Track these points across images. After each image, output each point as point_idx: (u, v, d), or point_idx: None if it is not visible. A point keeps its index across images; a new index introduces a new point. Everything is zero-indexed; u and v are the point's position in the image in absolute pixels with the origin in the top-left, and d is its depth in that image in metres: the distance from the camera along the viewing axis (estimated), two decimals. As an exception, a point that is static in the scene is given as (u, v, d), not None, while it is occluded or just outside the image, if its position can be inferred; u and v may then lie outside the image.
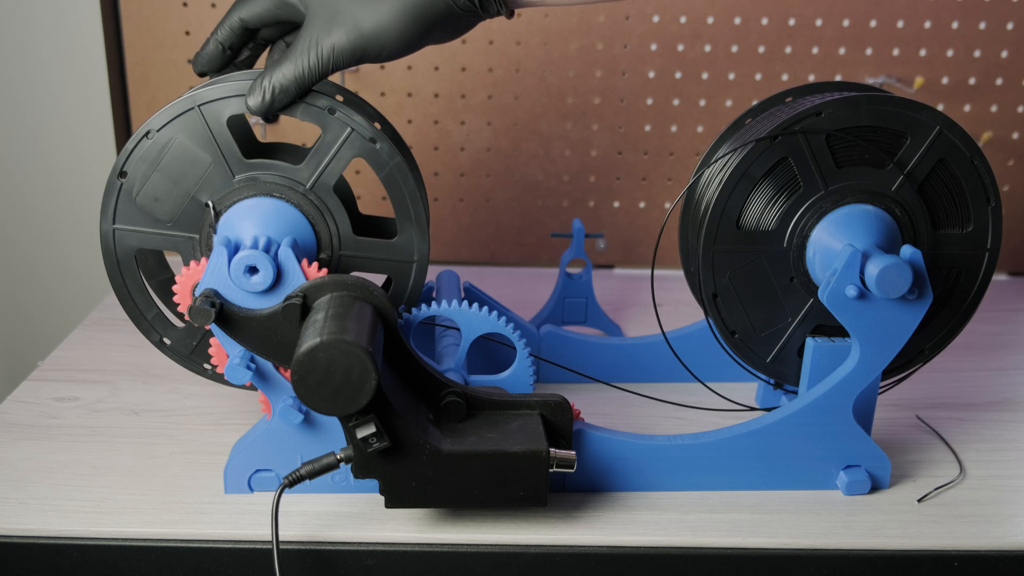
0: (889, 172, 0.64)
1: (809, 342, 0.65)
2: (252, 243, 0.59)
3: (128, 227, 0.64)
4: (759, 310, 0.66)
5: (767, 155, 0.63)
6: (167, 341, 0.66)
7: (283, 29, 0.65)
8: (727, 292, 0.66)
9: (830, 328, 0.67)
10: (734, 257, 0.65)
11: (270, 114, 0.61)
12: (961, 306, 0.67)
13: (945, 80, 1.05)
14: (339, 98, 0.63)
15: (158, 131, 0.62)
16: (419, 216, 0.64)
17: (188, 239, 0.63)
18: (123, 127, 1.09)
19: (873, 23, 1.03)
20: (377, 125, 0.64)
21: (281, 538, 0.58)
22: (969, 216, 0.65)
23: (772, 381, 0.71)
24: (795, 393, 0.70)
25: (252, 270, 0.58)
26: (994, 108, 1.05)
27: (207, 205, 0.62)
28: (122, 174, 0.63)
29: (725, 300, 0.66)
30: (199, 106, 0.61)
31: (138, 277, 0.65)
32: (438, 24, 0.55)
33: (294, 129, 1.06)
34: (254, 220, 0.62)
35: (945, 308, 0.67)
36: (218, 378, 0.66)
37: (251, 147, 0.66)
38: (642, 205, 1.10)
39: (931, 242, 0.65)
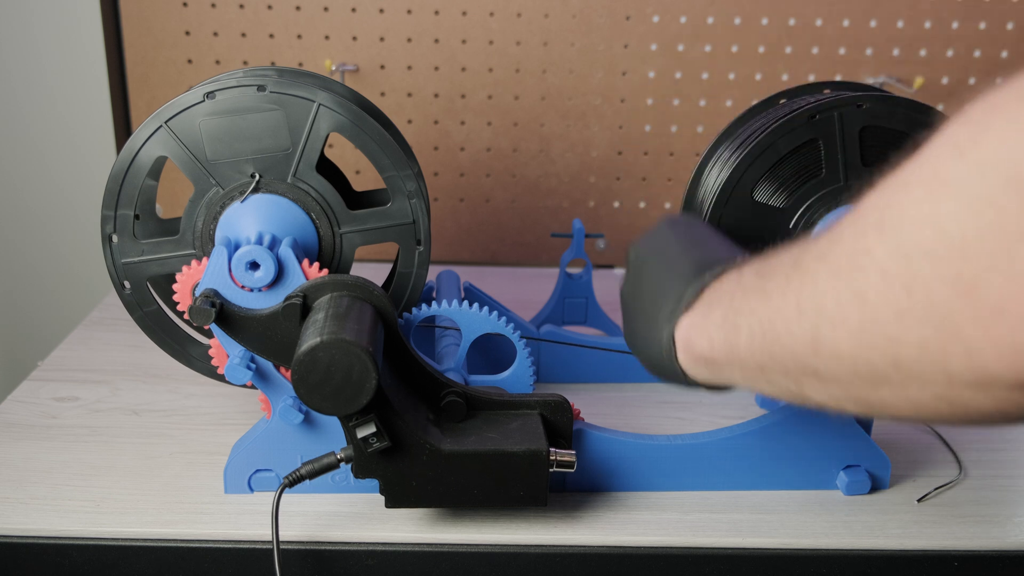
0: (827, 175, 0.64)
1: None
2: (256, 239, 0.59)
3: (133, 259, 0.64)
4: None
5: (799, 132, 0.63)
6: (114, 239, 0.65)
7: None
8: (727, 224, 0.65)
9: None
10: (739, 223, 0.65)
11: None
12: None
13: (945, 80, 1.05)
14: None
15: (134, 160, 0.62)
16: (405, 173, 0.64)
17: (189, 256, 0.64)
18: (123, 127, 1.09)
19: (873, 23, 1.03)
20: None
21: (281, 538, 0.58)
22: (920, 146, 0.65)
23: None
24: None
25: (253, 265, 0.58)
26: (994, 108, 1.05)
27: (252, 176, 0.62)
28: (115, 210, 0.63)
29: (724, 227, 0.65)
30: (166, 123, 0.61)
31: (153, 303, 0.66)
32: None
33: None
34: (250, 218, 0.62)
35: None
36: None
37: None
38: (642, 205, 1.10)
39: None
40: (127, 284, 0.65)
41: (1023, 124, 0.31)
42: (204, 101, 0.61)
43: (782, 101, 0.71)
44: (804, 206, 0.64)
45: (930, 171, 0.34)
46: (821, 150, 0.63)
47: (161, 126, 0.62)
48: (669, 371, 0.51)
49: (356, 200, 0.69)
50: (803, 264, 0.41)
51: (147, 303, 0.65)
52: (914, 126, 0.63)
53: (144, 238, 0.64)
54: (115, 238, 0.64)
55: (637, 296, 0.56)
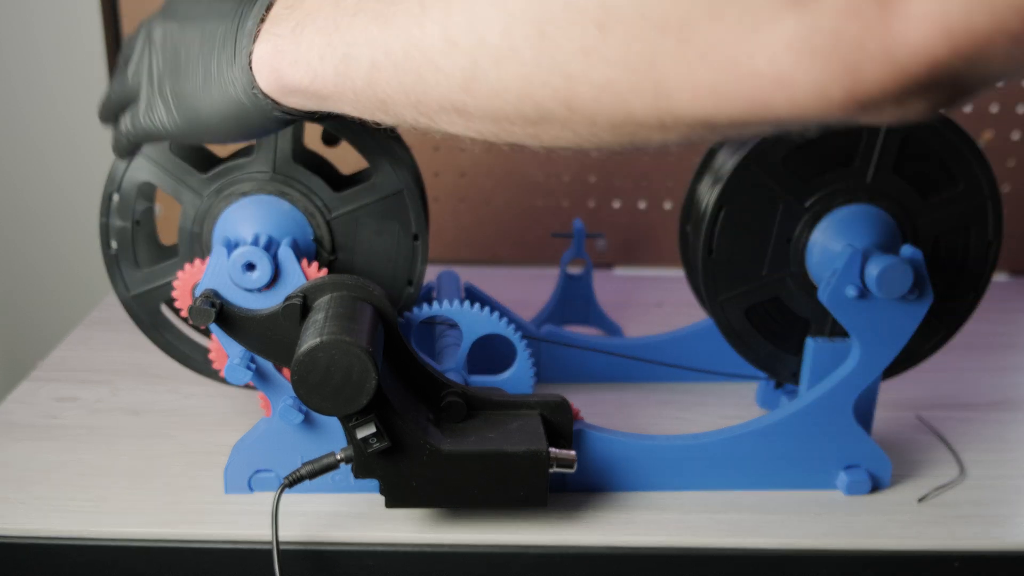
0: (859, 167, 0.64)
1: (809, 342, 0.65)
2: (252, 240, 0.59)
3: (143, 289, 0.64)
4: (744, 248, 0.66)
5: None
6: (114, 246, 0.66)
7: None
8: (728, 218, 0.65)
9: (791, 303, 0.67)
10: (757, 188, 0.64)
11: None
12: (980, 266, 0.67)
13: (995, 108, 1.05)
14: None
15: (119, 189, 0.63)
16: (385, 145, 0.63)
17: None
18: (123, 127, 1.09)
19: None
20: None
21: (281, 538, 0.58)
22: (954, 176, 0.65)
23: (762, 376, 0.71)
24: (795, 393, 0.70)
25: (250, 267, 0.58)
26: (994, 108, 1.05)
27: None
28: (109, 245, 0.63)
29: (726, 218, 0.65)
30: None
31: (174, 327, 0.66)
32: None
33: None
34: (246, 220, 0.62)
35: (964, 271, 0.67)
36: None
37: (207, 158, 0.66)
38: (642, 205, 1.10)
39: (929, 213, 0.65)
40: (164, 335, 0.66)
41: None
42: None
43: None
44: (821, 192, 0.64)
45: None
46: (862, 141, 0.63)
47: (129, 299, 0.64)
48: (250, 115, 0.47)
49: (343, 182, 0.68)
50: None
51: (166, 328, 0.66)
52: (949, 151, 0.64)
53: (147, 266, 0.65)
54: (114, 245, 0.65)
55: (177, 58, 0.49)
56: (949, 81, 0.30)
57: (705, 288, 0.67)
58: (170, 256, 0.65)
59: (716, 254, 0.65)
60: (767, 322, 0.68)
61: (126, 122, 0.54)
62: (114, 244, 0.64)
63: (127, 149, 0.57)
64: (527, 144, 0.40)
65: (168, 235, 0.67)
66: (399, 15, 0.39)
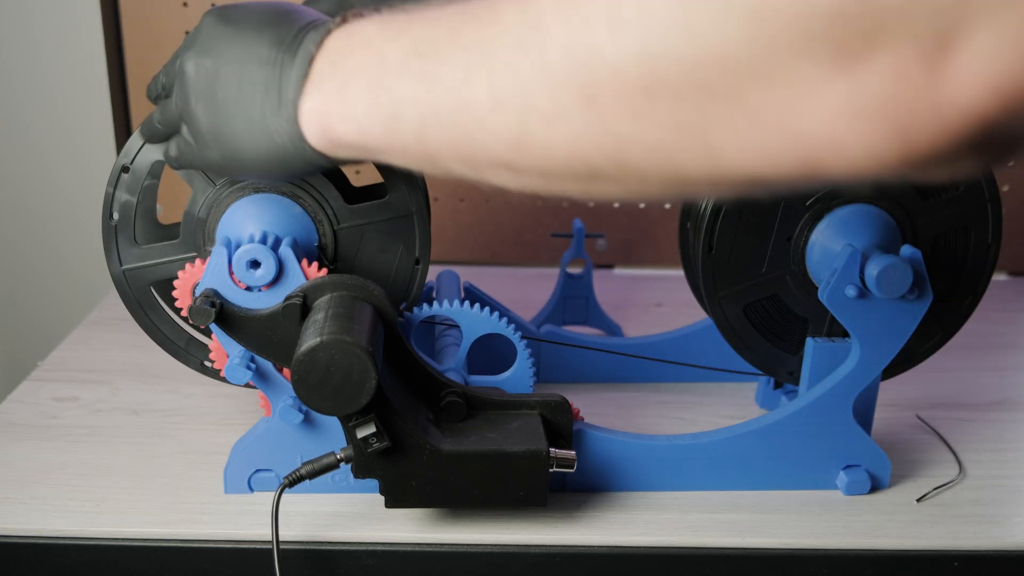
0: None
1: (809, 342, 0.65)
2: (259, 238, 0.59)
3: (137, 264, 0.64)
4: (744, 246, 0.65)
5: None
6: (208, 363, 0.66)
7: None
8: (729, 215, 0.64)
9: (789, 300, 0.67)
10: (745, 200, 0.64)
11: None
12: (980, 267, 0.67)
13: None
14: None
15: (132, 162, 0.62)
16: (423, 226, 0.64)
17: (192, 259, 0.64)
18: (123, 127, 1.09)
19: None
20: None
21: (281, 538, 0.58)
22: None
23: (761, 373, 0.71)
24: (795, 393, 0.70)
25: (254, 264, 0.58)
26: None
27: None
28: (111, 216, 0.63)
29: (727, 215, 0.65)
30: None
31: (160, 308, 0.65)
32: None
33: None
34: (251, 218, 0.62)
35: (962, 273, 0.67)
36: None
37: None
38: (642, 205, 1.10)
39: (928, 214, 0.65)
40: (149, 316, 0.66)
41: None
42: None
43: None
44: (822, 191, 0.64)
45: None
46: None
47: (121, 272, 0.63)
48: (295, 161, 0.48)
49: (355, 194, 0.68)
50: (491, 51, 0.37)
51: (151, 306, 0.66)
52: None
53: (145, 243, 0.64)
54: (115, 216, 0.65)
55: (215, 98, 0.50)
56: (1001, 139, 0.31)
57: (704, 285, 0.67)
58: (169, 237, 0.65)
59: (716, 251, 0.65)
60: (765, 320, 0.68)
61: (172, 150, 0.57)
62: (116, 216, 0.64)
63: (179, 167, 0.59)
64: (577, 198, 0.41)
65: (165, 218, 0.67)
66: (445, 76, 0.39)
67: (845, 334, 0.66)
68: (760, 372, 0.72)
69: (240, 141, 0.50)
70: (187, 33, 1.03)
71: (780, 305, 0.67)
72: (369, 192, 0.68)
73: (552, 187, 0.39)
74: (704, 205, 0.67)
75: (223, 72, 0.50)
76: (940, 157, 0.31)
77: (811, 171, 0.33)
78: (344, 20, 0.47)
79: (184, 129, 0.54)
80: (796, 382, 0.69)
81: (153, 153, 0.62)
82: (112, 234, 0.64)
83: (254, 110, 0.49)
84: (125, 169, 0.63)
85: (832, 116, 0.31)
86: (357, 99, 0.44)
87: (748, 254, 0.66)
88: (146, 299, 0.65)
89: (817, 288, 0.65)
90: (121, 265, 0.64)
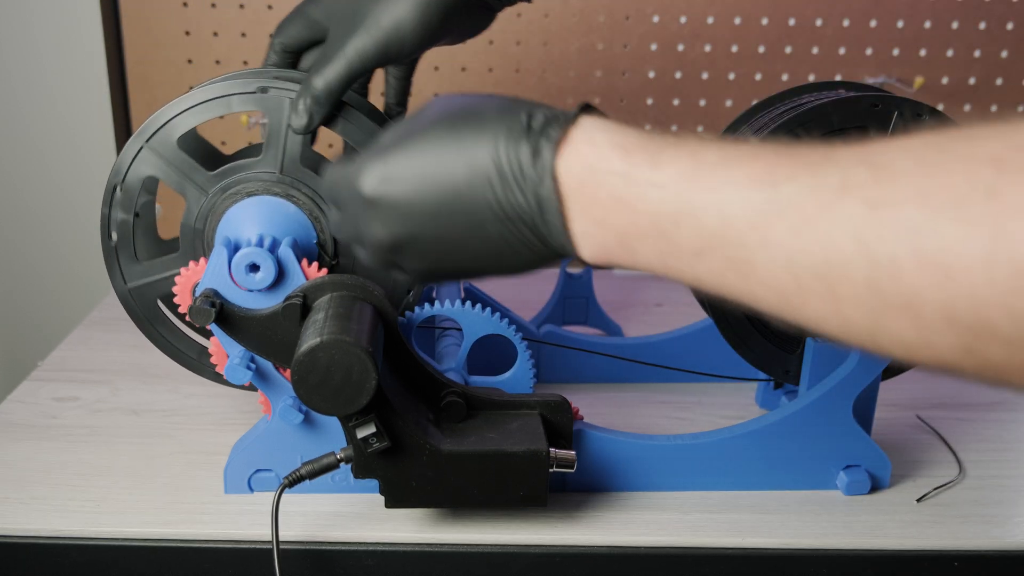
0: None
1: (809, 342, 0.65)
2: (256, 241, 0.59)
3: (141, 282, 0.64)
4: None
5: (857, 113, 0.62)
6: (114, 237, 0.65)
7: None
8: None
9: None
10: None
11: (313, 130, 0.60)
12: None
13: (945, 80, 1.05)
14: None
15: (123, 181, 0.63)
16: None
17: None
18: (123, 127, 1.09)
19: (873, 23, 1.03)
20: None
21: (281, 538, 0.58)
22: None
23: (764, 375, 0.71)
24: (795, 393, 0.70)
25: (253, 267, 0.58)
26: (994, 108, 1.05)
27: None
28: (109, 236, 0.63)
29: None
30: (146, 142, 0.62)
31: (170, 322, 0.65)
32: (455, 15, 0.54)
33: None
34: (249, 220, 0.62)
35: None
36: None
37: (214, 156, 0.66)
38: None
39: None
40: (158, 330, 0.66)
41: None
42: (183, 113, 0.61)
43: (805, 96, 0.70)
44: None
45: None
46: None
47: (143, 147, 0.62)
48: (545, 262, 0.42)
49: None
50: (1001, 192, 0.29)
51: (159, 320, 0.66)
52: (850, 118, 0.63)
53: (146, 259, 0.65)
54: (114, 235, 0.64)
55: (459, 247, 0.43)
56: None
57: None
58: (169, 251, 0.65)
59: None
60: (764, 319, 0.67)
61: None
62: (114, 236, 0.64)
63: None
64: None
65: (167, 232, 0.67)
66: (939, 195, 0.31)
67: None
68: (758, 378, 0.72)
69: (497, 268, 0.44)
70: (187, 33, 1.03)
71: None
72: None
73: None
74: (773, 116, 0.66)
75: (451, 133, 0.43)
76: None
77: None
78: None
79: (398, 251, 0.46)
80: (793, 381, 0.69)
81: (145, 168, 0.62)
82: (113, 254, 0.64)
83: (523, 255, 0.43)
84: (117, 188, 0.63)
85: None
86: (619, 245, 0.39)
87: None
88: (154, 314, 0.65)
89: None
90: (125, 284, 0.65)
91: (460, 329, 0.67)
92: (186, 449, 0.69)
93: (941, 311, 0.30)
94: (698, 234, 0.36)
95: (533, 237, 0.41)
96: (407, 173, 0.43)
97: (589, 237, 0.40)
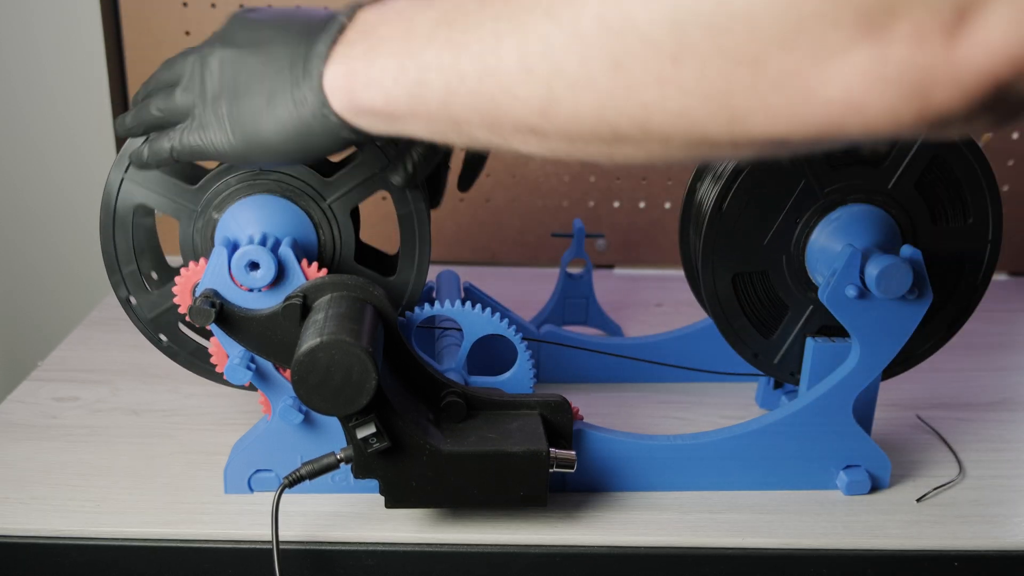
0: (885, 170, 0.64)
1: (809, 342, 0.65)
2: (259, 240, 0.59)
3: (157, 312, 0.65)
4: (754, 212, 0.65)
5: None
6: (132, 300, 0.65)
7: None
8: (749, 178, 0.64)
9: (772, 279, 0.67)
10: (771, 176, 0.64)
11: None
12: (965, 300, 0.67)
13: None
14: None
15: (115, 210, 0.63)
16: (422, 263, 0.65)
17: None
18: (123, 127, 1.09)
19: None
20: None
21: (281, 538, 0.58)
22: (968, 209, 0.65)
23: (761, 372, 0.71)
24: (795, 393, 0.70)
25: (253, 266, 0.58)
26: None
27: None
28: (118, 270, 0.64)
29: (747, 177, 0.64)
30: (125, 173, 0.63)
31: (197, 344, 0.66)
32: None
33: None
34: (248, 220, 0.62)
35: (949, 303, 0.67)
36: (182, 355, 0.66)
37: (196, 169, 0.66)
38: (642, 205, 1.10)
39: (931, 238, 0.65)
40: (163, 337, 0.66)
41: None
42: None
43: None
44: (842, 183, 0.63)
45: None
46: (896, 147, 0.63)
47: (123, 179, 0.63)
48: (315, 134, 0.48)
49: (361, 250, 0.69)
50: (523, 20, 0.38)
51: (186, 345, 0.66)
52: (971, 183, 0.64)
53: (157, 287, 0.65)
54: (133, 299, 0.65)
55: (236, 80, 0.51)
56: (1014, 99, 0.32)
57: (704, 245, 0.66)
58: (176, 274, 0.65)
59: (727, 210, 0.64)
60: (749, 296, 0.67)
61: (172, 140, 0.55)
62: (133, 300, 0.65)
63: (156, 164, 0.58)
64: (599, 162, 0.41)
65: (168, 233, 0.67)
66: (473, 43, 0.40)
67: (821, 333, 0.66)
68: (760, 374, 0.72)
69: (260, 119, 0.50)
70: (187, 33, 1.03)
71: (767, 284, 0.67)
72: (376, 257, 0.68)
73: (576, 151, 0.40)
74: (725, 164, 0.66)
75: (248, 58, 0.50)
76: (956, 117, 0.33)
77: (831, 133, 0.34)
78: None
79: (195, 117, 0.53)
80: (760, 366, 0.69)
81: (133, 197, 0.62)
82: (128, 305, 0.65)
83: (277, 84, 0.49)
84: (112, 219, 0.63)
85: (854, 81, 0.32)
86: (384, 65, 0.44)
87: (755, 221, 0.65)
88: (179, 339, 0.66)
89: (806, 282, 0.66)
90: (147, 315, 0.65)
91: (460, 329, 0.67)
92: (186, 449, 0.69)
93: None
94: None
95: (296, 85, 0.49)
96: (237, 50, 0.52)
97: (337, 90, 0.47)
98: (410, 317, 0.65)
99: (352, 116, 0.47)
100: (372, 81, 0.45)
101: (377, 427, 0.55)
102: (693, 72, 0.34)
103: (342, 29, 0.47)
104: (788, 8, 0.32)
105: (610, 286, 1.04)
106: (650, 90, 0.35)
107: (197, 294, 0.58)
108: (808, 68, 0.32)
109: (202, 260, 0.61)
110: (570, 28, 0.36)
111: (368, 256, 0.69)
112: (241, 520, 0.61)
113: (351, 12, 0.48)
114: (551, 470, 0.58)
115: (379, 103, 0.45)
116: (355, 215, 0.66)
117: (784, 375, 0.70)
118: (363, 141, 0.50)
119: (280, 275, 0.58)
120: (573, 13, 0.36)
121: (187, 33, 1.03)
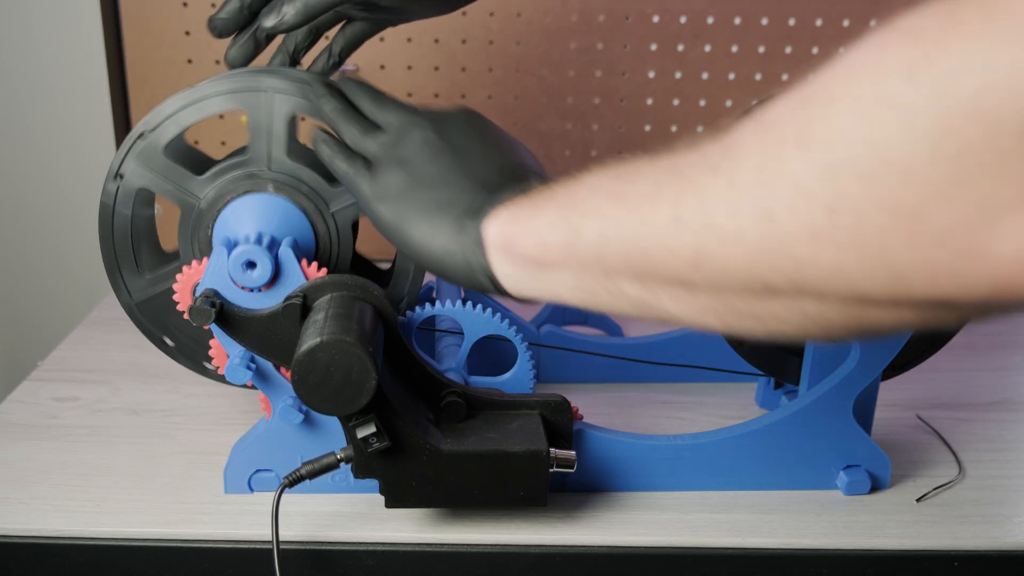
0: None
1: (809, 342, 0.65)
2: (254, 239, 0.59)
3: (147, 295, 0.65)
4: None
5: None
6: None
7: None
8: None
9: None
10: None
11: (282, 31, 0.61)
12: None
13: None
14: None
15: (115, 202, 0.63)
16: (415, 281, 0.65)
17: None
18: (123, 127, 1.09)
19: (873, 23, 1.03)
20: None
21: (281, 538, 0.58)
22: None
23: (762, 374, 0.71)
24: (795, 393, 0.70)
25: (250, 265, 0.58)
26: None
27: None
28: (114, 253, 0.63)
29: None
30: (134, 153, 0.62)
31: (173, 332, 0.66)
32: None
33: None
34: (248, 219, 0.62)
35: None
36: (169, 350, 0.66)
37: (203, 161, 0.66)
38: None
39: None
40: (168, 341, 0.66)
41: (986, 45, 0.28)
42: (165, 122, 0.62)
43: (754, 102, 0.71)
44: None
45: (870, 89, 0.31)
46: None
47: (132, 305, 0.63)
48: (459, 264, 0.49)
49: (357, 262, 0.69)
50: (685, 173, 0.38)
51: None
52: None
53: (149, 271, 0.65)
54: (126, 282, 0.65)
55: (423, 167, 0.53)
56: None
57: None
58: (172, 260, 0.65)
59: None
60: None
61: (360, 177, 0.56)
62: (117, 253, 0.64)
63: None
64: (750, 327, 0.39)
65: (168, 231, 0.67)
66: (632, 194, 0.40)
67: None
68: (760, 374, 0.72)
69: (420, 218, 0.51)
70: (187, 33, 1.03)
71: None
72: (370, 271, 0.68)
73: (726, 309, 0.39)
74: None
75: (443, 162, 0.52)
76: None
77: (1004, 295, 0.31)
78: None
79: (385, 174, 0.54)
80: (759, 366, 0.68)
81: (136, 180, 0.62)
82: (116, 271, 0.64)
83: (455, 198, 0.50)
84: (111, 207, 0.63)
85: None
86: (547, 213, 0.45)
87: None
88: (163, 326, 0.66)
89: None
90: (132, 298, 0.65)
91: (461, 331, 0.67)
92: (186, 449, 0.69)
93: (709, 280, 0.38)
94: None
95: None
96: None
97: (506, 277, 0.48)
98: (410, 317, 0.65)
99: (503, 264, 0.47)
100: (533, 228, 0.45)
101: (377, 427, 0.55)
102: (847, 224, 0.32)
103: (529, 187, 0.48)
104: (949, 159, 0.29)
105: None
106: (802, 245, 0.33)
107: (197, 294, 0.58)
108: (973, 224, 0.29)
109: (204, 259, 0.61)
110: (726, 181, 0.35)
111: (363, 269, 0.69)
112: (241, 520, 0.61)
113: (544, 178, 0.49)
114: (551, 470, 0.58)
115: (533, 249, 0.45)
116: (355, 227, 0.66)
117: (784, 375, 0.70)
118: (493, 293, 0.50)
119: (277, 275, 0.58)
120: (731, 166, 0.35)
121: (187, 33, 1.03)
